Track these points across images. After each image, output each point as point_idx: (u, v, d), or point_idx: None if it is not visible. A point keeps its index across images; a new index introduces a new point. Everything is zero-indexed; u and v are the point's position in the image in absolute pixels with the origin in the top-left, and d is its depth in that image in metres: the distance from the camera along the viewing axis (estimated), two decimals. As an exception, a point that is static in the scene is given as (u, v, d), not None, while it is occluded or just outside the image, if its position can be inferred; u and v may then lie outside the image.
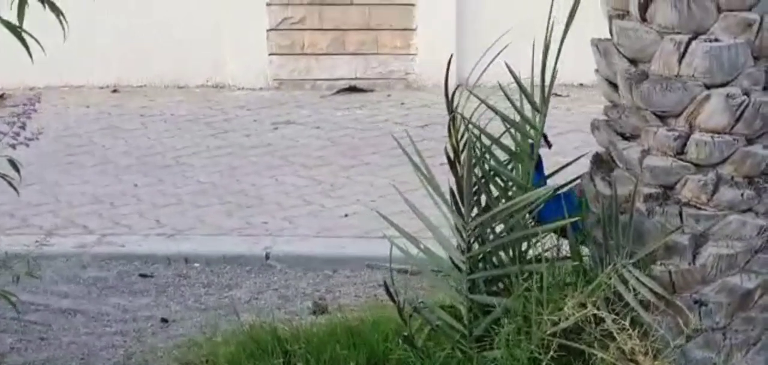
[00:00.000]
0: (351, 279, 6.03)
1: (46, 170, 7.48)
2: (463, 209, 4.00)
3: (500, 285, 4.14)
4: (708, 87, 3.83)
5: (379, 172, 7.45)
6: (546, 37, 4.10)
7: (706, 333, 3.92)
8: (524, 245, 4.12)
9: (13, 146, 4.29)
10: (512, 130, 4.23)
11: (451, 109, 4.16)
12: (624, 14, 4.01)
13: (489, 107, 4.21)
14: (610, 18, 4.03)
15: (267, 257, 6.21)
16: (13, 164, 4.27)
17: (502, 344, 3.88)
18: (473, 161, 4.05)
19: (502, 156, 4.25)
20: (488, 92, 9.50)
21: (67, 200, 7.05)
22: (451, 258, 4.13)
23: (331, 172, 7.45)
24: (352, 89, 9.23)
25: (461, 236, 4.00)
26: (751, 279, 3.93)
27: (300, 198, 7.00)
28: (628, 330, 3.71)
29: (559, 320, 3.80)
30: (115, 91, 9.46)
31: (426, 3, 9.18)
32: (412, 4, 9.21)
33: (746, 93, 3.82)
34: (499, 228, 4.13)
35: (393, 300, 4.22)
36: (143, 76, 9.48)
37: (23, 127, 4.34)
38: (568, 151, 7.21)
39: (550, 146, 4.27)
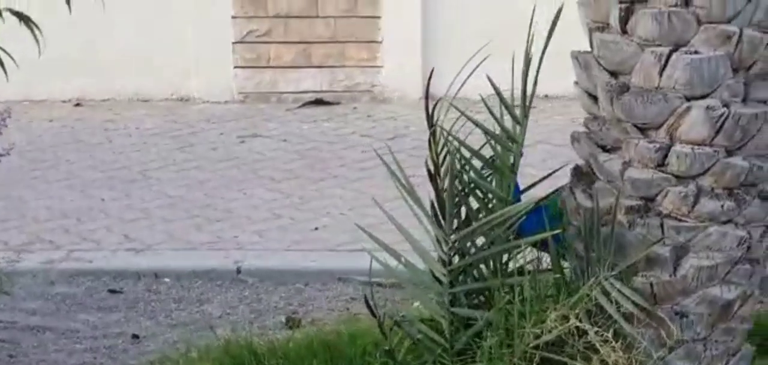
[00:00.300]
0: (323, 293, 6.01)
1: (11, 186, 7.39)
2: (444, 223, 3.98)
3: (481, 298, 4.13)
4: (688, 99, 3.84)
5: (347, 185, 7.43)
6: (526, 48, 4.09)
7: (688, 344, 3.93)
8: (504, 258, 4.11)
9: (-16, 161, 4.23)
10: (492, 142, 4.19)
11: (430, 122, 4.13)
12: (604, 27, 4.01)
13: (470, 119, 4.19)
14: (590, 31, 4.03)
15: (238, 271, 6.17)
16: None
17: (484, 357, 3.87)
18: (455, 174, 4.03)
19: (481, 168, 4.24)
20: (458, 105, 9.52)
21: (33, 216, 6.98)
22: (431, 271, 4.11)
23: (300, 185, 7.42)
24: (318, 102, 9.21)
25: (442, 250, 3.98)
26: (731, 290, 3.94)
27: (269, 212, 6.96)
28: (612, 342, 3.71)
29: (542, 333, 3.79)
30: (78, 105, 9.37)
31: (392, 15, 9.17)
32: (378, 17, 9.20)
33: (726, 105, 3.83)
34: (479, 241, 4.12)
35: (373, 314, 4.19)
36: (107, 89, 9.40)
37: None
38: (536, 163, 7.26)
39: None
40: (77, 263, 6.29)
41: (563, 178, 4.56)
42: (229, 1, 9.27)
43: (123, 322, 5.69)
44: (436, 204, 4.11)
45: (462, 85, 4.26)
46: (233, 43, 9.30)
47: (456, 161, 3.96)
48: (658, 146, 3.88)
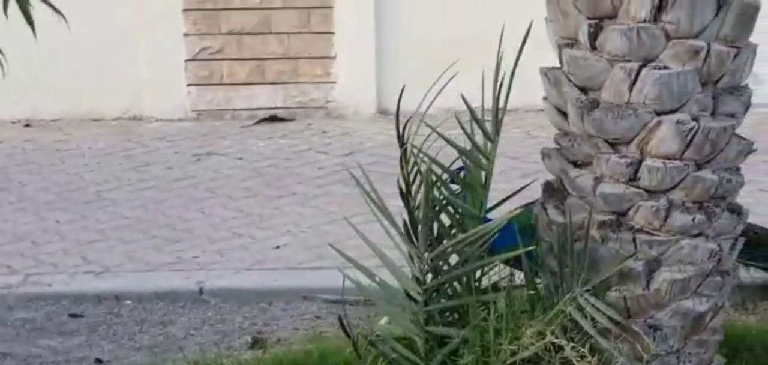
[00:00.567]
0: (287, 312, 5.98)
1: (-37, 209, 7.30)
2: (418, 242, 3.98)
3: (455, 315, 4.13)
4: (658, 114, 3.87)
5: (306, 202, 7.41)
6: (497, 65, 4.10)
7: (661, 357, 3.96)
8: (478, 274, 4.12)
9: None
10: (463, 159, 4.20)
11: (402, 141, 4.12)
12: (573, 43, 4.03)
13: (443, 137, 4.19)
14: (560, 47, 4.05)
15: (201, 292, 6.12)
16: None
17: (462, 375, 3.87)
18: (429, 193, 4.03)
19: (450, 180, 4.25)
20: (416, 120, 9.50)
21: (-13, 240, 6.89)
22: (405, 291, 4.10)
23: (259, 203, 7.38)
24: (273, 119, 9.17)
25: (417, 268, 3.98)
26: (702, 302, 3.98)
27: (229, 231, 6.92)
28: (588, 357, 3.73)
29: (518, 349, 3.80)
30: (27, 125, 9.26)
31: (345, 31, 9.17)
32: (331, 33, 9.20)
33: (695, 119, 3.87)
34: (452, 258, 4.12)
35: (347, 334, 4.18)
36: (57, 109, 9.30)
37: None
38: (493, 175, 7.28)
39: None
40: (35, 287, 6.21)
41: (529, 192, 4.60)
42: (181, 19, 9.22)
43: (85, 347, 5.62)
44: (408, 223, 4.10)
45: (431, 102, 4.23)
46: (186, 60, 9.24)
47: (427, 180, 3.94)
48: (629, 160, 3.91)
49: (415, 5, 9.21)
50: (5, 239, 6.90)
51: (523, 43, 4.03)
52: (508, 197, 4.40)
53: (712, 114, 3.91)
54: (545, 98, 4.21)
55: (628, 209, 3.94)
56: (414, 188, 4.17)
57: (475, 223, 4.08)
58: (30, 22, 4.40)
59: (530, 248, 3.97)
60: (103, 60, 9.14)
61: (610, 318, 3.84)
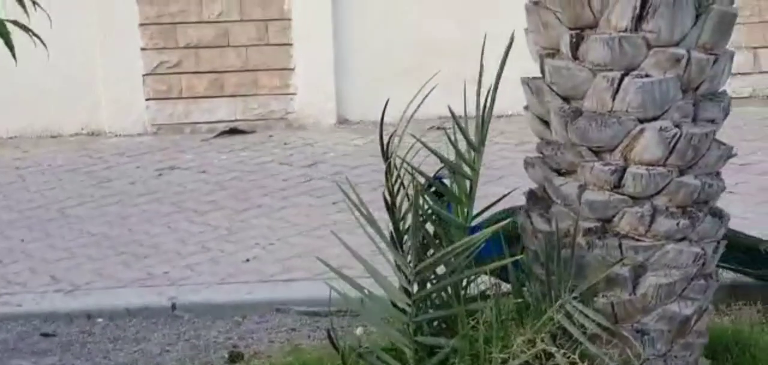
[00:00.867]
0: (261, 325, 5.97)
1: (-77, 230, 7.21)
2: (406, 253, 4.01)
3: (443, 325, 4.16)
4: (641, 121, 3.93)
5: (272, 214, 7.40)
6: (479, 75, 4.13)
7: (649, 361, 4.02)
8: (464, 283, 4.15)
9: None
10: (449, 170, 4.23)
11: (386, 155, 4.15)
12: (554, 53, 4.08)
13: (429, 149, 4.21)
14: (542, 57, 4.10)
15: (173, 307, 6.10)
16: None
17: (452, 384, 3.90)
18: (411, 203, 4.05)
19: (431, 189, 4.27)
20: (371, 129, 9.53)
21: (-49, 261, 6.82)
22: (392, 302, 4.13)
23: (225, 216, 7.36)
24: (233, 131, 9.16)
25: (406, 279, 4.00)
26: (688, 306, 4.05)
27: (198, 245, 6.90)
28: (579, 363, 3.77)
29: (510, 357, 3.84)
30: (-18, 143, 9.19)
31: (303, 42, 9.17)
32: (290, 44, 9.20)
33: (677, 125, 3.94)
34: (440, 269, 4.15)
35: (335, 347, 4.19)
36: (13, 126, 9.23)
37: None
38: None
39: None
40: (5, 307, 6.15)
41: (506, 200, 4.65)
42: (138, 33, 9.18)
43: (59, 366, 5.60)
44: (394, 235, 4.13)
45: (413, 115, 4.25)
46: (144, 75, 9.20)
47: (418, 192, 3.97)
48: (613, 168, 3.96)
49: (373, 15, 9.24)
50: (-30, 260, 6.84)
51: (506, 53, 4.06)
52: (491, 205, 4.45)
53: (693, 120, 3.98)
54: (526, 108, 4.25)
55: (614, 216, 3.99)
56: (398, 199, 4.20)
57: (460, 233, 4.11)
58: (10, 46, 4.39)
59: (517, 257, 4.01)
60: (60, 76, 9.06)
61: (599, 324, 3.89)
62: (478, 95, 4.15)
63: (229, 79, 9.23)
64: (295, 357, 5.27)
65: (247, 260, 6.65)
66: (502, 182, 7.07)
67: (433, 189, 4.29)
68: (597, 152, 4.00)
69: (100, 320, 6.04)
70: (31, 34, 4.47)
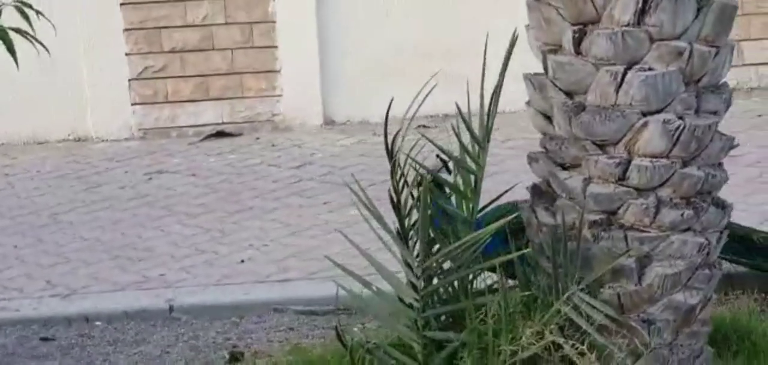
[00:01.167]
0: (260, 325, 6.00)
1: None
2: (415, 249, 4.05)
3: (450, 319, 4.20)
4: (645, 114, 3.99)
5: (264, 215, 7.43)
6: (482, 72, 4.18)
7: (655, 350, 4.07)
8: (470, 277, 4.20)
9: None
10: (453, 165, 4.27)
11: (391, 153, 4.18)
12: (557, 49, 4.13)
13: (435, 145, 4.26)
14: (544, 53, 4.15)
15: (171, 309, 6.12)
16: None
17: (462, 378, 3.95)
18: (416, 199, 4.10)
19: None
20: (358, 129, 9.57)
21: (-54, 268, 6.81)
22: (399, 297, 4.17)
23: (217, 219, 7.38)
24: (220, 134, 9.17)
25: (414, 274, 4.04)
26: (693, 295, 4.10)
27: (192, 247, 6.92)
28: (588, 355, 3.83)
29: (519, 350, 3.88)
30: (-31, 150, 9.16)
31: (288, 44, 9.20)
32: (275, 46, 9.22)
33: (681, 118, 3.99)
34: (445, 264, 4.19)
35: (343, 345, 4.23)
36: (0, 133, 9.21)
37: None
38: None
39: (449, 171, 4.40)
40: (3, 312, 6.15)
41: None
42: (122, 39, 9.18)
43: (60, 370, 5.62)
44: (400, 232, 4.18)
45: (416, 111, 4.29)
46: (129, 80, 9.20)
47: (426, 188, 4.01)
48: (617, 161, 4.02)
49: (358, 15, 9.27)
50: (-36, 267, 6.84)
51: (509, 51, 4.10)
52: (493, 201, 4.50)
53: (696, 112, 4.04)
54: (528, 103, 4.30)
55: (619, 208, 4.05)
56: (403, 197, 4.24)
57: (466, 228, 4.16)
58: (12, 52, 4.41)
59: (524, 251, 4.06)
60: (46, 83, 9.05)
61: (606, 315, 3.94)
62: (482, 91, 4.19)
63: (214, 82, 9.24)
64: (297, 356, 5.29)
65: (242, 261, 6.67)
66: (494, 178, 7.10)
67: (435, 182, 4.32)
68: (601, 146, 4.05)
69: (98, 323, 6.05)
70: (33, 41, 4.49)
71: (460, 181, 4.28)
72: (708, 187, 4.09)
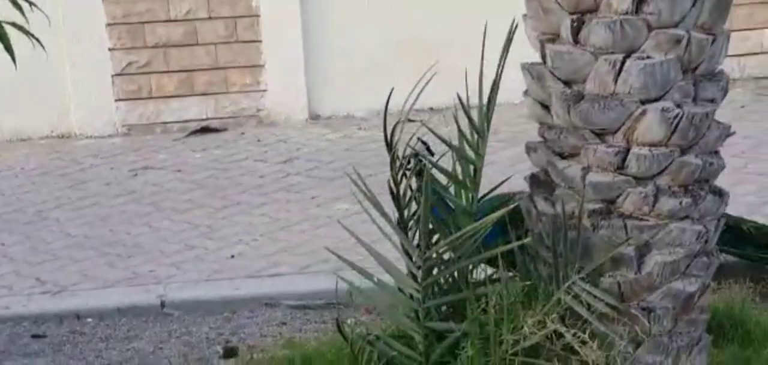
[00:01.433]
0: (252, 320, 5.99)
1: None
2: (415, 240, 4.05)
3: (450, 310, 4.20)
4: (643, 103, 3.99)
5: (252, 211, 7.41)
6: (480, 63, 4.18)
7: (655, 338, 4.09)
8: (470, 267, 4.20)
9: None
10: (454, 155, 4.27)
11: (390, 145, 4.18)
12: (555, 38, 4.14)
13: (436, 135, 4.25)
14: (542, 43, 4.15)
15: (162, 305, 6.10)
16: None
17: (465, 367, 3.95)
18: (416, 190, 4.09)
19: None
20: (343, 124, 9.54)
21: (-66, 267, 6.76)
22: (400, 288, 4.17)
23: (206, 214, 7.36)
24: (205, 130, 9.15)
25: (415, 265, 4.04)
26: (692, 283, 4.12)
27: (181, 243, 6.89)
28: (590, 343, 3.84)
29: (521, 339, 3.89)
30: (-49, 148, 9.10)
31: (273, 39, 9.18)
32: (259, 41, 9.20)
33: (679, 106, 4.00)
34: (446, 254, 4.19)
35: (344, 337, 4.22)
36: (-18, 131, 9.18)
37: None
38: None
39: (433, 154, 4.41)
40: (-7, 310, 6.13)
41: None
42: (105, 34, 9.13)
43: (52, 367, 5.60)
44: (399, 222, 4.17)
45: (413, 104, 4.28)
46: (113, 75, 9.16)
47: (428, 178, 4.00)
48: (616, 149, 4.02)
49: (342, 9, 9.26)
50: (-48, 265, 6.79)
51: (508, 42, 4.10)
52: (491, 190, 4.50)
53: (694, 100, 4.05)
54: (526, 93, 4.30)
55: (618, 197, 4.06)
56: (402, 188, 4.23)
57: (466, 218, 4.16)
58: (9, 51, 4.38)
59: (525, 241, 4.06)
60: (28, 79, 8.98)
61: (607, 304, 3.95)
62: (480, 83, 4.19)
63: (199, 77, 9.22)
64: (293, 350, 5.28)
65: (233, 256, 6.66)
66: (483, 171, 7.12)
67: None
68: (600, 135, 4.06)
69: (89, 320, 6.03)
70: (31, 37, 4.45)
71: (459, 170, 4.27)
72: (705, 175, 4.10)
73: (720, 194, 4.18)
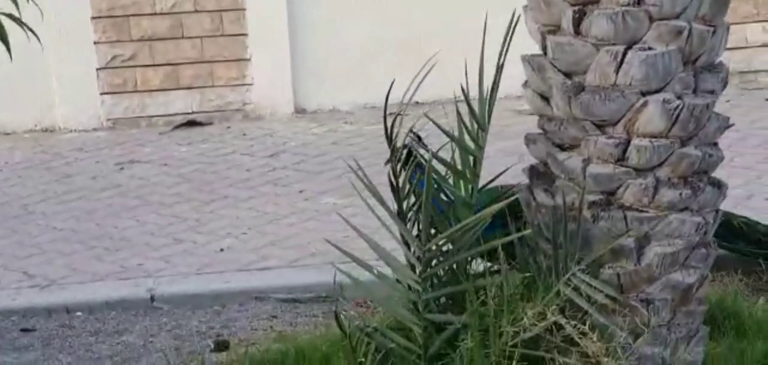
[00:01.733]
0: (242, 313, 5.96)
1: None
2: (412, 232, 4.04)
3: (449, 301, 4.19)
4: (644, 94, 3.99)
5: (240, 204, 7.38)
6: (481, 55, 4.16)
7: (654, 329, 4.09)
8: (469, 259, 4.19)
9: None
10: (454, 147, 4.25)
11: (390, 138, 4.16)
12: (556, 30, 4.13)
13: (440, 127, 4.24)
14: (543, 34, 4.14)
15: (152, 299, 6.06)
16: None
17: (464, 360, 3.93)
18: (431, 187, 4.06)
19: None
20: (329, 118, 9.52)
21: None
22: (398, 280, 4.15)
23: (193, 208, 7.32)
24: (191, 124, 9.10)
25: (415, 257, 4.03)
26: (690, 274, 4.12)
27: (169, 237, 6.85)
28: (590, 334, 3.83)
29: (521, 330, 3.88)
30: (-66, 142, 9.02)
31: (259, 32, 9.13)
32: (245, 34, 9.16)
33: (679, 97, 4.00)
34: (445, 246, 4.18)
35: (343, 331, 4.20)
36: (-36, 125, 9.10)
37: None
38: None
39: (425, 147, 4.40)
40: (-20, 304, 6.08)
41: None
42: (90, 27, 9.08)
43: (41, 360, 5.54)
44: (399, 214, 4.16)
45: (411, 97, 4.26)
46: (98, 69, 9.10)
47: (430, 168, 3.99)
48: (617, 141, 4.02)
49: (329, 4, 9.23)
50: (-62, 259, 6.73)
51: (510, 35, 4.08)
52: (487, 184, 4.49)
53: (694, 91, 4.05)
54: (526, 85, 4.29)
55: (618, 188, 4.05)
56: (401, 180, 4.22)
57: (466, 210, 4.15)
58: (5, 42, 4.34)
59: (525, 232, 4.05)
60: (11, 72, 8.90)
61: (607, 295, 3.95)
62: (481, 75, 4.17)
63: (184, 71, 9.17)
64: (287, 344, 5.26)
65: (222, 249, 6.63)
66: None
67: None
68: (600, 126, 4.05)
69: (79, 314, 5.99)
70: (25, 28, 4.41)
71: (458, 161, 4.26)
72: (705, 166, 4.11)
73: (718, 185, 4.18)
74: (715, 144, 4.19)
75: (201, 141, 8.75)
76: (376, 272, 4.14)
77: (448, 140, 4.23)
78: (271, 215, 7.19)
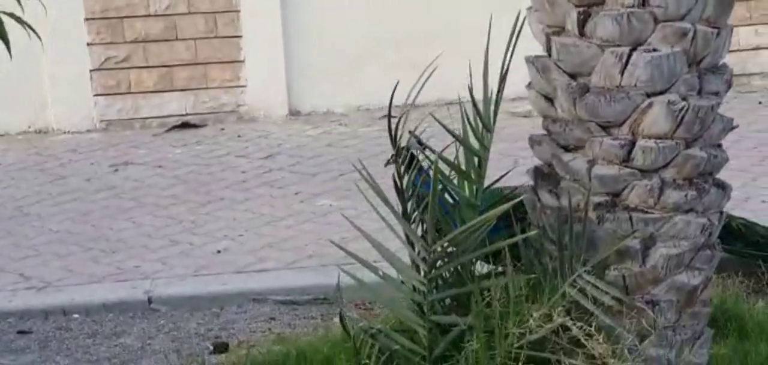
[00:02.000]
0: (240, 315, 5.95)
1: None
2: (418, 235, 4.03)
3: (453, 303, 4.18)
4: (649, 95, 3.99)
5: (236, 206, 7.36)
6: (485, 56, 4.15)
7: (659, 331, 4.08)
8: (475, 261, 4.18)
9: None
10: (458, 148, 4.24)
11: (394, 139, 4.15)
12: (560, 31, 4.12)
13: (446, 129, 4.22)
14: (547, 36, 4.13)
15: (149, 301, 6.04)
16: None
17: (471, 362, 3.92)
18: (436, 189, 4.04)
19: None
20: (323, 119, 9.51)
21: None
22: (403, 281, 4.14)
23: (189, 210, 7.30)
24: (185, 125, 9.07)
25: (421, 258, 4.01)
26: (695, 276, 4.11)
27: (165, 238, 6.83)
28: (596, 336, 3.82)
29: (527, 332, 3.87)
30: (-73, 144, 8.98)
31: (253, 35, 9.12)
32: (239, 36, 9.14)
33: (684, 98, 4.00)
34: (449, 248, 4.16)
35: (347, 332, 4.19)
36: (-42, 126, 9.06)
37: None
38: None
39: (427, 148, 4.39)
40: (-22, 306, 6.05)
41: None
42: (84, 29, 9.05)
43: (39, 363, 5.52)
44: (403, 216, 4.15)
45: (415, 98, 4.24)
46: (91, 70, 9.07)
47: (436, 170, 3.97)
48: (622, 142, 4.02)
49: (323, 5, 9.22)
50: (-66, 261, 6.70)
51: (515, 36, 4.07)
52: (494, 182, 4.48)
53: (699, 93, 4.05)
54: (530, 86, 4.28)
55: (623, 190, 4.05)
56: (404, 182, 4.21)
57: (471, 211, 4.14)
58: (5, 40, 4.31)
59: (531, 233, 4.04)
60: (4, 73, 8.86)
61: (613, 297, 3.94)
62: (485, 77, 4.15)
63: (178, 72, 9.14)
64: (287, 346, 5.24)
65: (219, 251, 6.61)
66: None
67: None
68: (605, 127, 4.05)
69: (76, 316, 5.97)
70: (26, 26, 4.39)
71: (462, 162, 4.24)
72: (709, 168, 4.10)
73: (723, 187, 4.18)
74: (720, 146, 4.19)
75: (195, 143, 8.73)
76: (381, 273, 4.12)
77: (449, 141, 4.21)
78: (268, 216, 7.17)
